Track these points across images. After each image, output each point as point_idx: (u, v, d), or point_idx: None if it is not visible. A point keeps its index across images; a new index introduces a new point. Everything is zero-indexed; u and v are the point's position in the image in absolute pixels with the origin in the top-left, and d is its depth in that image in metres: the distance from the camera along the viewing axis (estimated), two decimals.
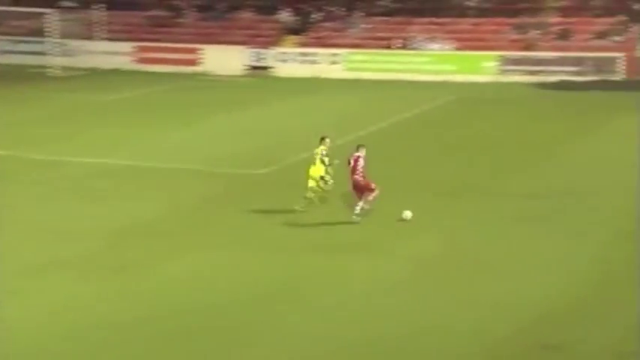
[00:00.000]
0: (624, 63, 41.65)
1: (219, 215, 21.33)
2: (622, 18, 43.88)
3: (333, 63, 46.38)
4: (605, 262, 17.58)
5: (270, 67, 47.10)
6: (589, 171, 24.70)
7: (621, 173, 24.11)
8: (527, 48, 44.21)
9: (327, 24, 49.19)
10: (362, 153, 20.74)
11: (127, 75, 46.55)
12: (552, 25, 45.19)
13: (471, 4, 48.45)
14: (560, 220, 20.11)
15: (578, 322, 14.67)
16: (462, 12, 48.15)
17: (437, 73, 44.33)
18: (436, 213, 20.95)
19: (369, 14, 49.04)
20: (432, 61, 45.06)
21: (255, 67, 47.25)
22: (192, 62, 48.09)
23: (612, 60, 42.04)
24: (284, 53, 47.41)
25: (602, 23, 44.42)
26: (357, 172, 20.39)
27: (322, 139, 21.05)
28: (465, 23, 47.31)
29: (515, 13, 46.46)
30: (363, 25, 48.46)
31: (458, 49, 45.54)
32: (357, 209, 20.25)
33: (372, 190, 20.39)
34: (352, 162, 20.50)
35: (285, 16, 49.83)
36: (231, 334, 14.54)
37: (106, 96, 39.84)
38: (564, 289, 15.99)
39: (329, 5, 49.94)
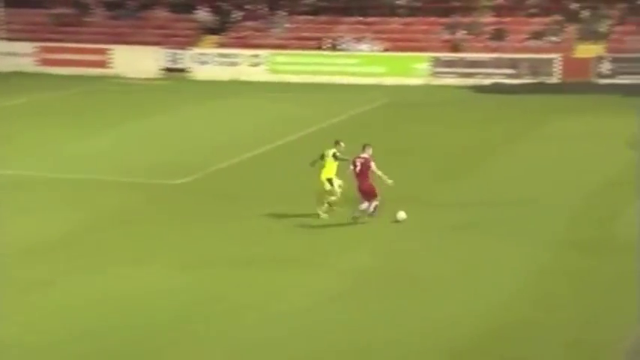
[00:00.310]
0: (560, 64, 42.80)
1: (138, 229, 21.27)
2: (558, 18, 45.05)
3: (255, 65, 46.54)
4: (548, 273, 18.07)
5: (187, 70, 47.01)
6: (527, 177, 25.32)
7: (560, 179, 24.86)
8: (454, 49, 45.02)
9: (248, 23, 49.32)
10: (369, 153, 21.06)
11: (28, 78, 45.88)
12: (486, 25, 46.15)
13: (401, 2, 49.13)
14: (499, 229, 20.59)
15: (522, 337, 15.06)
16: (392, 11, 48.78)
17: (366, 75, 44.82)
18: (372, 223, 21.22)
19: (293, 13, 49.33)
20: (361, 63, 45.58)
21: (170, 70, 47.08)
22: (102, 64, 47.68)
23: (548, 61, 43.14)
24: (202, 54, 47.37)
25: (538, 23, 45.54)
26: (367, 176, 20.73)
27: (337, 142, 21.70)
28: (395, 23, 47.97)
29: (448, 12, 47.27)
30: (286, 25, 48.76)
31: (388, 50, 46.16)
32: (362, 208, 20.75)
33: (375, 197, 20.82)
34: (358, 165, 20.73)
35: (203, 14, 49.80)
36: (156, 356, 14.56)
37: (5, 101, 39.23)
38: (507, 302, 16.39)
39: (250, 3, 50.10)
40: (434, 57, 44.67)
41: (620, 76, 41.58)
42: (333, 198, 21.45)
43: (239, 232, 20.94)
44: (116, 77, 46.37)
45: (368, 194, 20.87)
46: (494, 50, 44.51)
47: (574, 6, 45.03)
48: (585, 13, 44.60)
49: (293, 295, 16.96)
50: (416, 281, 17.49)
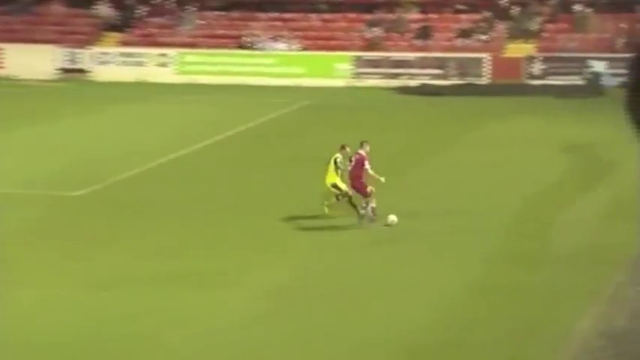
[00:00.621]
0: (490, 65, 43.40)
1: (39, 246, 20.91)
2: (487, 15, 45.70)
3: (163, 65, 46.19)
4: (480, 288, 18.24)
5: (87, 70, 46.40)
6: (456, 186, 25.55)
7: (491, 187, 25.16)
8: (372, 47, 45.29)
9: (154, 19, 48.92)
10: (365, 150, 22.00)
11: None
12: (411, 22, 46.57)
13: None
14: (426, 242, 20.77)
15: (453, 357, 15.20)
16: (311, 7, 48.90)
17: (283, 76, 44.82)
18: (286, 238, 21.20)
19: (204, 8, 49.11)
20: (278, 63, 45.60)
21: (68, 70, 46.42)
22: None
23: (477, 61, 43.72)
24: (103, 54, 46.83)
25: (466, 20, 46.14)
26: (359, 173, 21.62)
27: (342, 147, 22.63)
28: (314, 20, 48.10)
29: (370, 8, 47.54)
30: (196, 21, 48.48)
31: (306, 49, 46.25)
32: (368, 210, 21.42)
33: (367, 196, 21.63)
34: (353, 161, 21.79)
35: (105, 9, 49.21)
36: None
37: None
38: (436, 321, 16.50)
39: None
40: (356, 56, 44.91)
41: (552, 77, 42.35)
42: (333, 200, 22.44)
43: (147, 247, 20.71)
44: (8, 79, 45.50)
45: (359, 191, 21.73)
46: (420, 49, 44.93)
47: (504, 3, 45.72)
48: (516, 11, 45.33)
49: (210, 315, 16.89)
50: (336, 299, 17.51)
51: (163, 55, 46.32)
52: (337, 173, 22.23)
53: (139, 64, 46.28)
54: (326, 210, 22.37)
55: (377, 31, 46.15)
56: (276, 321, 16.52)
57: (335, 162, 22.30)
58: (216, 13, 49.16)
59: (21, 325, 16.57)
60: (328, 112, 37.25)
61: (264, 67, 45.56)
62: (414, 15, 47.17)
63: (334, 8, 48.35)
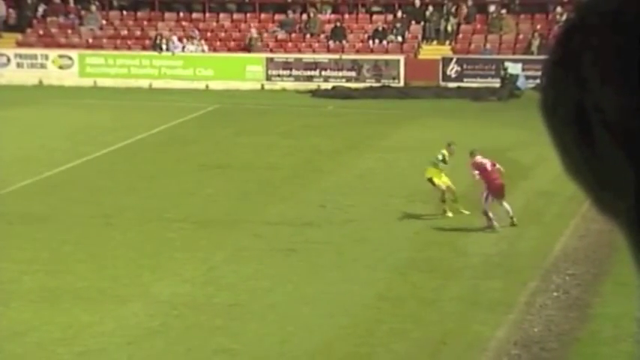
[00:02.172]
0: (405, 67, 43.60)
1: None
2: (402, 16, 45.93)
3: (64, 67, 45.38)
4: (388, 299, 18.18)
5: None
6: (365, 193, 25.46)
7: (401, 194, 25.15)
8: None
9: (54, 18, 48.05)
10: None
11: None
12: (324, 22, 46.58)
13: None
14: (326, 252, 20.63)
15: None
16: (221, 6, 48.61)
17: (192, 79, 44.46)
18: (194, 247, 20.95)
19: (108, 7, 48.43)
20: (186, 65, 45.17)
21: None
22: None
23: (392, 63, 43.90)
24: (0, 55, 45.80)
25: (380, 21, 46.31)
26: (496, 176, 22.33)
27: (448, 145, 23.73)
28: (224, 20, 47.81)
29: (282, 8, 47.44)
30: (99, 21, 47.77)
31: (216, 50, 45.93)
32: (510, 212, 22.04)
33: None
34: (489, 167, 22.57)
35: (1, 8, 48.16)
36: None
37: None
38: (338, 334, 16.38)
39: None
40: (268, 58, 44.73)
41: (468, 79, 42.73)
42: (446, 195, 23.04)
43: (34, 261, 20.22)
44: None
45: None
46: (333, 51, 44.96)
47: (418, 3, 45.99)
48: (430, 12, 45.64)
49: (108, 330, 16.55)
50: (233, 313, 17.27)
51: (64, 56, 45.50)
52: (439, 169, 23.21)
53: (38, 65, 45.39)
54: (449, 214, 22.85)
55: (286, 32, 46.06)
56: (169, 337, 16.25)
57: (443, 158, 23.20)
58: (121, 12, 48.50)
59: None
60: (238, 116, 37.01)
61: (172, 69, 45.09)
62: (327, 15, 47.17)
63: (244, 8, 48.10)
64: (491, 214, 21.95)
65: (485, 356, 15.76)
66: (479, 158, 22.82)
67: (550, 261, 20.27)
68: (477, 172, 22.57)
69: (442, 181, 23.22)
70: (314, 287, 18.48)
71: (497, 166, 22.80)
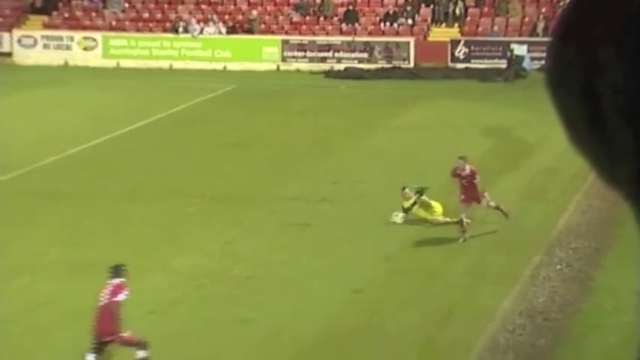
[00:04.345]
0: (415, 48, 43.43)
1: None
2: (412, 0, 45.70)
3: (88, 49, 45.34)
4: (397, 273, 18.16)
5: (10, 54, 45.37)
6: (376, 170, 25.36)
7: (410, 172, 25.02)
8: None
9: (79, 2, 47.96)
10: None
11: None
12: (337, 6, 46.37)
13: None
14: (345, 227, 20.61)
15: (366, 342, 15.10)
16: None
17: (210, 60, 44.36)
18: (212, 221, 20.97)
19: None
20: (205, 47, 45.05)
21: None
22: None
23: (402, 45, 43.73)
24: (27, 37, 45.78)
25: (391, 5, 46.06)
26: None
27: (403, 188, 21.37)
28: (241, 3, 47.62)
29: None
30: (122, 4, 47.66)
31: (233, 32, 45.78)
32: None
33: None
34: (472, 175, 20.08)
35: None
36: None
37: None
38: (349, 306, 16.40)
39: None
40: (283, 40, 44.59)
41: (475, 61, 42.55)
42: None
43: (58, 235, 20.28)
44: None
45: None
46: (346, 33, 44.79)
47: None
48: None
49: (131, 300, 16.47)
50: (249, 285, 17.27)
51: (89, 38, 45.45)
52: (425, 206, 20.89)
53: (64, 47, 45.37)
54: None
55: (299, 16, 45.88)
56: (188, 307, 16.30)
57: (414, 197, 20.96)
58: None
59: None
60: (254, 96, 36.93)
61: (191, 50, 44.99)
62: None
63: None
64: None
65: (492, 326, 15.76)
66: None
67: (554, 236, 20.22)
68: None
69: (436, 214, 21.01)
70: (327, 260, 18.49)
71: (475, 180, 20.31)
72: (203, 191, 23.48)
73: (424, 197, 21.07)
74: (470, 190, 20.08)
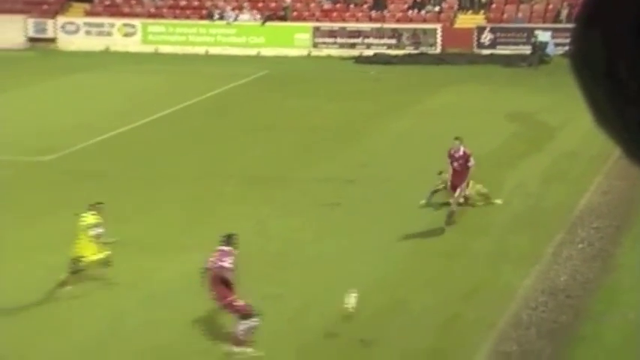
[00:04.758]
0: (442, 35, 43.17)
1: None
2: None
3: (128, 35, 45.44)
4: (422, 252, 18.07)
5: (54, 40, 45.55)
6: (402, 153, 25.28)
7: (435, 155, 24.86)
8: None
9: None
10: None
11: None
12: None
13: None
14: (373, 208, 20.54)
15: (393, 318, 15.04)
16: None
17: (245, 46, 44.33)
18: (246, 201, 20.97)
19: None
20: (239, 33, 45.02)
21: (36, 40, 45.56)
22: None
23: (430, 32, 43.47)
24: (70, 23, 45.97)
25: None
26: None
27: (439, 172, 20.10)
28: None
29: None
30: None
31: (268, 20, 45.68)
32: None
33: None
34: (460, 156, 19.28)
35: None
36: (3, 351, 14.03)
37: None
38: (376, 284, 16.31)
39: None
40: (315, 27, 44.45)
41: (500, 47, 42.24)
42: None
43: (106, 213, 20.32)
44: None
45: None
46: (375, 20, 44.59)
47: None
48: None
49: (169, 276, 16.64)
50: (281, 263, 17.24)
51: (129, 25, 45.54)
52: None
53: (105, 33, 45.50)
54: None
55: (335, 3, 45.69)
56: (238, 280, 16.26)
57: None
58: None
59: None
60: (286, 81, 36.87)
61: (226, 37, 44.97)
62: None
63: None
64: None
65: (515, 303, 15.65)
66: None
67: (575, 215, 20.04)
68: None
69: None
70: (354, 240, 18.43)
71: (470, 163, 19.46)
72: (236, 172, 23.49)
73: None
74: (458, 176, 19.07)
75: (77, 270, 15.84)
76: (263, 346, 13.90)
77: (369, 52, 43.18)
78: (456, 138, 19.72)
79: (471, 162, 19.17)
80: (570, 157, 24.56)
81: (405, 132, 27.94)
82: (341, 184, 22.35)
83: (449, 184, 19.08)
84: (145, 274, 16.79)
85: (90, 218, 15.70)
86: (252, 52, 43.84)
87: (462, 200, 19.46)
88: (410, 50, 43.10)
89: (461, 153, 19.20)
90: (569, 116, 27.84)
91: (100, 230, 15.97)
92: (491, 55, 41.60)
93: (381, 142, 26.87)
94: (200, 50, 44.08)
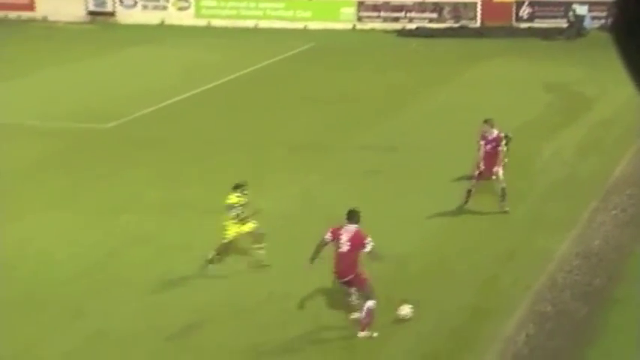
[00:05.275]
0: (481, 9, 42.74)
1: (62, 174, 21.01)
2: None
3: (182, 9, 45.56)
4: (461, 217, 18.04)
5: (113, 13, 45.82)
6: (444, 123, 25.18)
7: (474, 125, 24.73)
8: None
9: None
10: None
11: None
12: None
13: None
14: (414, 175, 20.51)
15: (435, 279, 15.09)
16: None
17: (292, 20, 44.22)
18: (292, 168, 21.06)
19: None
20: (287, 7, 44.91)
21: (96, 13, 45.83)
22: (27, 7, 46.16)
23: (470, 6, 43.05)
24: None
25: None
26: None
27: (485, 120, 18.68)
28: None
29: None
30: None
31: None
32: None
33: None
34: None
35: None
36: (79, 300, 14.30)
37: None
38: (416, 249, 16.35)
39: None
40: (360, 1, 44.23)
41: (539, 20, 41.72)
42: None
43: (163, 176, 20.61)
44: (39, 20, 44.95)
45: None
46: None
47: None
48: None
49: (215, 239, 16.75)
50: (327, 225, 17.26)
51: None
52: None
53: (161, 7, 45.65)
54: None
55: None
56: (272, 245, 16.38)
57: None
58: None
59: (38, 242, 16.66)
60: (331, 54, 36.77)
61: (275, 10, 44.88)
62: None
63: None
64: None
65: (550, 266, 15.63)
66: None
67: (609, 183, 19.87)
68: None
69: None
70: (396, 205, 18.45)
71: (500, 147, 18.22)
72: (283, 141, 23.58)
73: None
74: (490, 158, 17.94)
75: (222, 249, 15.60)
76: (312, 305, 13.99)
77: (412, 26, 42.88)
78: (486, 121, 18.54)
79: (501, 146, 18.08)
80: (605, 127, 24.30)
81: (444, 103, 27.79)
82: (383, 152, 22.35)
83: (481, 167, 18.09)
84: (197, 236, 16.96)
85: (232, 199, 15.10)
86: (300, 25, 43.71)
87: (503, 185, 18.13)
88: (450, 24, 42.73)
89: (494, 135, 18.13)
90: (605, 88, 27.51)
91: (237, 210, 15.37)
92: (530, 28, 41.11)
93: (421, 112, 26.78)
94: (250, 24, 44.04)
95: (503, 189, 18.00)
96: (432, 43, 39.37)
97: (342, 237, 13.46)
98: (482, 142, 18.14)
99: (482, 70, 32.45)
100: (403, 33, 42.00)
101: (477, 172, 18.07)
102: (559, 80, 30.18)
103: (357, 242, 13.40)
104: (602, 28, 38.22)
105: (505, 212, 17.87)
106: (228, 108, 27.42)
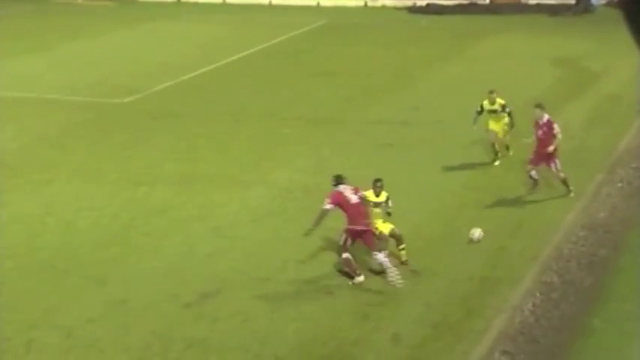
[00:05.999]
0: None
1: (84, 146, 21.10)
2: None
3: None
4: (470, 189, 18.05)
5: None
6: (453, 97, 25.10)
7: (481, 99, 24.66)
8: None
9: None
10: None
11: None
12: None
13: None
14: (426, 148, 20.49)
15: (445, 249, 15.12)
16: None
17: None
18: (306, 141, 21.08)
19: None
20: None
21: None
22: None
23: None
24: None
25: None
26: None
27: (490, 92, 19.03)
28: None
29: None
30: None
31: None
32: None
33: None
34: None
35: None
36: (101, 268, 14.40)
37: None
38: (426, 218, 16.38)
39: None
40: None
41: None
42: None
43: (181, 149, 20.68)
44: None
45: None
46: None
47: None
48: None
49: (235, 209, 16.89)
50: None
51: None
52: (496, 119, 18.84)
53: None
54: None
55: None
56: (285, 216, 16.49)
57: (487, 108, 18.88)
58: None
59: (61, 212, 16.76)
60: (344, 30, 36.66)
61: None
62: None
63: None
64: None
65: (557, 237, 15.63)
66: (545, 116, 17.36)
67: (615, 156, 19.81)
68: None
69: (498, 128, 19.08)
70: (408, 177, 18.45)
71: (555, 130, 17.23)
72: (298, 114, 23.58)
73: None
74: (543, 144, 17.08)
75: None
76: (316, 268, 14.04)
77: (422, 3, 42.65)
78: (537, 105, 17.47)
79: (556, 129, 17.12)
80: (612, 101, 24.19)
81: (455, 77, 27.70)
82: (395, 126, 22.33)
83: (531, 157, 17.35)
84: (213, 207, 17.04)
85: (370, 196, 14.90)
86: (312, 2, 43.56)
87: (562, 175, 17.41)
88: (460, 1, 42.46)
89: (545, 120, 17.18)
90: (611, 63, 27.36)
91: (376, 208, 15.04)
92: (538, 4, 40.84)
93: (432, 86, 26.71)
94: (264, 1, 43.90)
95: (564, 180, 17.32)
96: (443, 19, 39.18)
97: (346, 194, 13.87)
98: (534, 129, 17.25)
99: (491, 45, 32.30)
100: (414, 9, 41.80)
101: (531, 157, 17.40)
102: (567, 55, 30.03)
103: (360, 194, 13.94)
104: (609, 4, 37.93)
105: (570, 192, 17.30)
106: (244, 83, 27.42)
